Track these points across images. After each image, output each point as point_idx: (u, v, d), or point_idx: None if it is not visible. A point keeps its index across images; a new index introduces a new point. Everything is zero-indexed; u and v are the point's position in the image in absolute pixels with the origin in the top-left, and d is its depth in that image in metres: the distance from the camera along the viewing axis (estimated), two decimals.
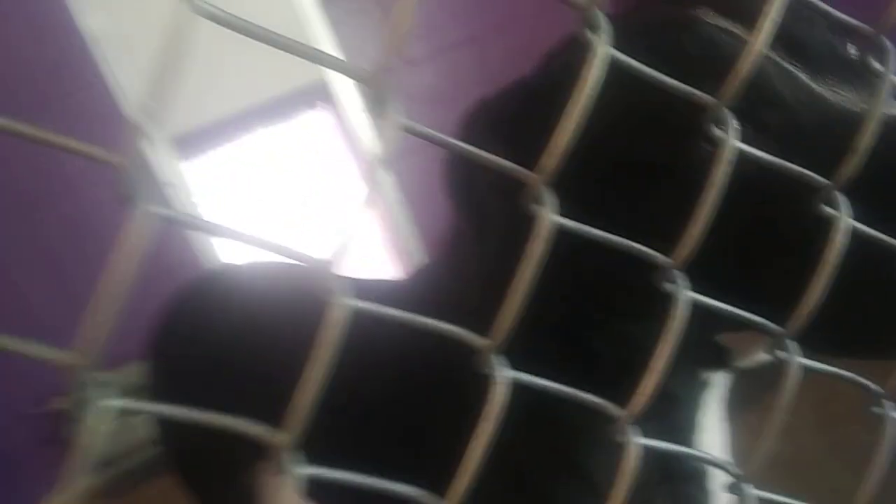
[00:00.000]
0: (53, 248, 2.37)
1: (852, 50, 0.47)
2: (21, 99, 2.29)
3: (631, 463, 0.29)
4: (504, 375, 0.28)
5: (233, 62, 2.47)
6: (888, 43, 0.34)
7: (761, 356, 0.50)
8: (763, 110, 0.43)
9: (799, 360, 0.31)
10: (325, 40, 2.53)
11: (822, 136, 0.42)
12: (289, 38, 0.27)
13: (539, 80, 0.54)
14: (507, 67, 0.60)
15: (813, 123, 0.42)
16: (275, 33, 0.26)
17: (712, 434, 0.59)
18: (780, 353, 0.32)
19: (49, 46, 2.28)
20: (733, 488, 0.31)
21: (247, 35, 0.26)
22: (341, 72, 0.27)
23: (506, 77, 0.57)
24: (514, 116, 0.51)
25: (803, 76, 0.44)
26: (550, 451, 0.57)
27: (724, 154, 0.30)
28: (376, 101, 0.26)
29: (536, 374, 0.30)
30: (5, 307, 2.23)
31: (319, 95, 2.62)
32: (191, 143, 2.51)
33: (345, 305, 0.26)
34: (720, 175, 0.29)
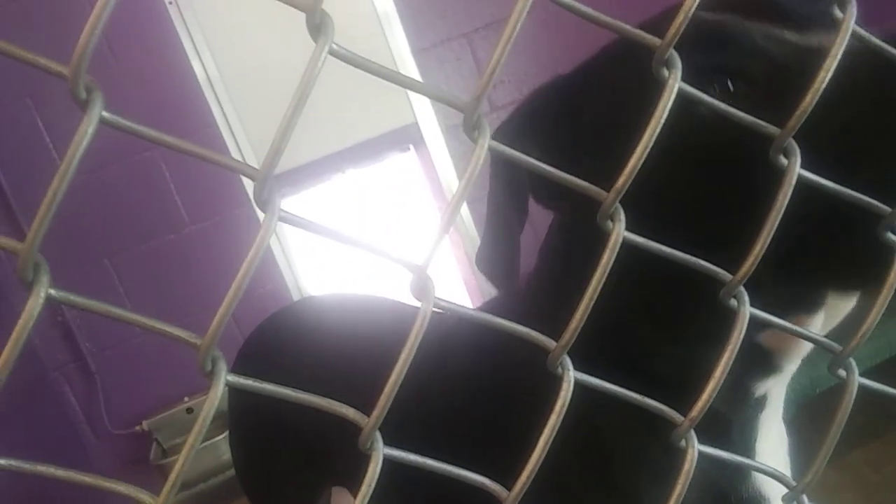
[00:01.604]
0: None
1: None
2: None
3: (689, 466, 0.31)
4: (572, 374, 0.31)
5: (329, 107, 2.62)
6: None
7: (803, 351, 0.51)
8: (751, 65, 0.45)
9: (859, 379, 0.32)
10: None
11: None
12: (405, 76, 0.31)
13: (577, 88, 0.57)
14: None
15: (799, 75, 0.43)
16: (397, 72, 0.31)
17: (770, 458, 0.59)
18: (840, 372, 0.33)
19: (166, 90, 2.49)
20: (790, 499, 0.33)
21: (369, 71, 0.30)
22: (445, 102, 0.31)
23: None
24: (551, 123, 0.55)
25: (793, 33, 0.46)
26: (593, 472, 0.59)
27: (788, 176, 0.33)
28: (470, 126, 0.30)
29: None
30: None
31: (411, 139, 2.73)
32: (286, 182, 2.65)
33: (432, 300, 0.30)
34: (782, 196, 0.32)
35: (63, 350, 2.57)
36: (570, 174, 0.31)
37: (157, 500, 0.29)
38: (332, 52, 0.28)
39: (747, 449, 0.58)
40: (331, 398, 0.32)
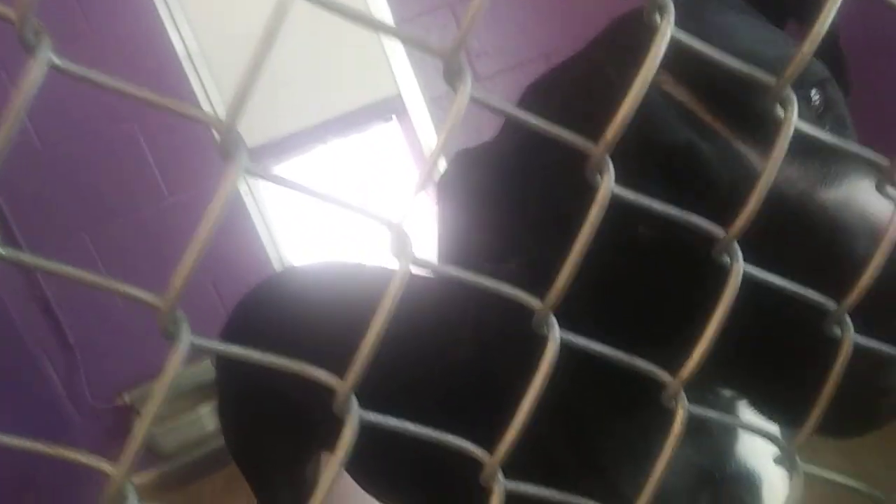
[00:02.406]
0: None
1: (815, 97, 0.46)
2: (119, 111, 2.45)
3: (679, 428, 0.30)
4: (557, 334, 0.30)
5: (312, 78, 2.57)
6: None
7: None
8: (681, 170, 0.43)
9: (855, 336, 0.31)
10: (401, 56, 2.60)
11: (737, 194, 0.39)
12: (377, 19, 0.29)
13: (586, 60, 0.55)
14: None
15: (729, 182, 0.41)
16: (368, 15, 0.28)
17: (756, 448, 0.59)
18: (835, 329, 0.32)
19: (144, 63, 2.43)
20: (782, 460, 0.32)
21: (339, 13, 0.28)
22: (422, 48, 0.29)
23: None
24: (562, 95, 0.52)
25: (741, 139, 0.42)
26: (576, 453, 0.58)
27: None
28: (451, 74, 0.28)
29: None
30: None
31: (394, 110, 2.69)
32: (268, 153, 2.61)
33: (410, 258, 0.28)
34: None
35: (42, 324, 2.54)
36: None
37: (117, 468, 0.28)
38: None
39: (730, 443, 0.58)
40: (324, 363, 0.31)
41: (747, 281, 0.31)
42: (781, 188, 0.38)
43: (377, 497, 1.04)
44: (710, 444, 0.57)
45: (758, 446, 0.59)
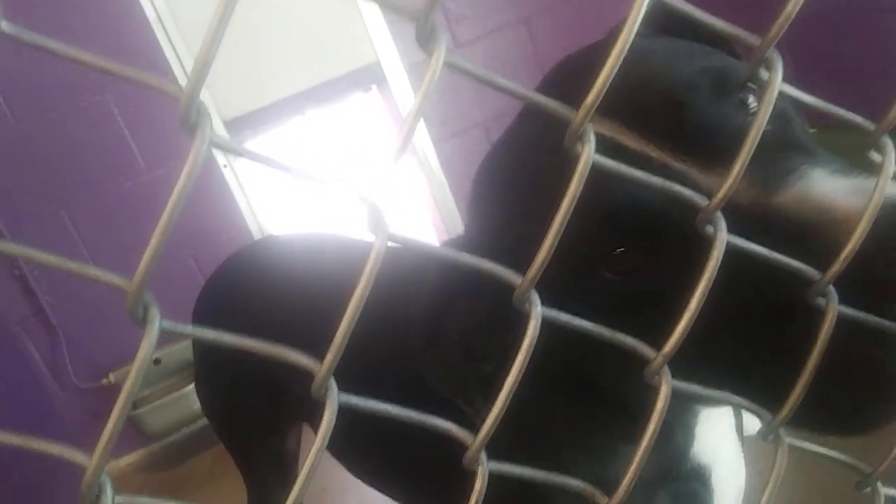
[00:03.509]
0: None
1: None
2: (94, 83, 2.38)
3: (662, 404, 0.30)
4: (539, 310, 0.29)
5: (289, 48, 2.52)
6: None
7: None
8: (654, 239, 0.42)
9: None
10: (379, 23, 2.55)
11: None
12: None
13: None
14: (556, 45, 0.60)
15: (679, 213, 0.39)
16: None
17: (720, 446, 0.60)
18: (819, 300, 0.31)
19: (112, 28, 2.36)
20: (767, 434, 0.31)
21: None
22: (391, 8, 0.27)
23: (553, 54, 0.57)
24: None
25: (696, 170, 0.41)
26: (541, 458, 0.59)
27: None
28: (424, 36, 0.27)
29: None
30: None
31: (373, 79, 2.65)
32: (245, 125, 2.57)
33: (387, 234, 0.27)
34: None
35: (23, 304, 2.50)
36: None
37: (90, 460, 0.27)
38: None
39: (688, 445, 0.58)
40: (290, 339, 0.30)
41: (730, 257, 0.31)
42: (731, 199, 0.37)
43: (368, 482, 1.04)
44: (672, 446, 0.58)
45: (711, 443, 0.60)
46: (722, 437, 0.62)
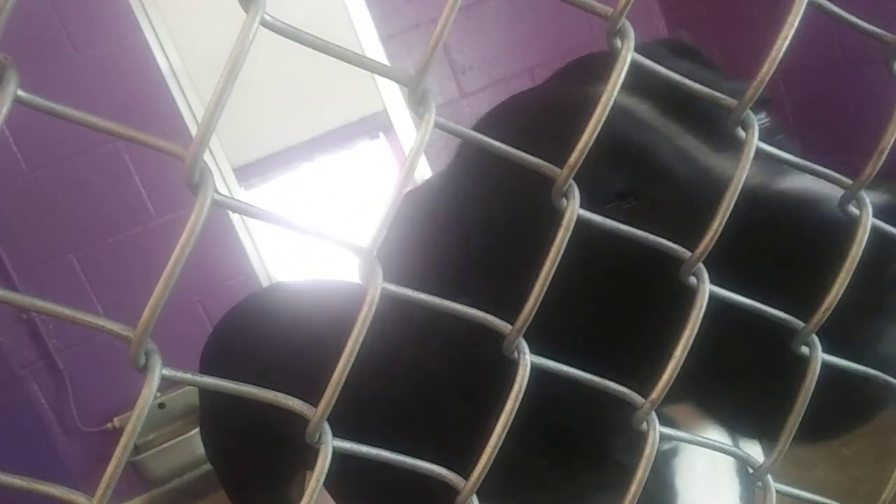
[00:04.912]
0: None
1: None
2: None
3: (650, 450, 0.30)
4: (528, 358, 0.30)
5: (297, 95, 2.57)
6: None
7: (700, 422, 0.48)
8: (654, 187, 0.43)
9: (822, 356, 0.32)
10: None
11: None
12: (341, 47, 0.29)
13: (550, 90, 0.56)
14: None
15: (704, 198, 0.41)
16: (331, 43, 0.29)
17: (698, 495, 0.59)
18: (803, 349, 0.32)
19: (128, 83, 2.43)
20: (755, 479, 0.32)
21: (305, 44, 0.28)
22: (386, 75, 0.29)
23: None
24: (530, 120, 0.52)
25: (704, 149, 0.44)
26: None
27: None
28: (415, 101, 0.29)
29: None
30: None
31: (380, 126, 2.70)
32: (254, 172, 2.61)
33: (379, 285, 0.28)
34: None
35: (30, 348, 2.51)
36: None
37: (90, 502, 0.27)
38: (264, 24, 0.26)
39: (671, 492, 0.58)
40: (298, 385, 0.31)
41: (714, 297, 0.32)
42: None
43: None
44: (652, 485, 0.57)
45: (692, 482, 0.59)
46: (709, 492, 0.61)
